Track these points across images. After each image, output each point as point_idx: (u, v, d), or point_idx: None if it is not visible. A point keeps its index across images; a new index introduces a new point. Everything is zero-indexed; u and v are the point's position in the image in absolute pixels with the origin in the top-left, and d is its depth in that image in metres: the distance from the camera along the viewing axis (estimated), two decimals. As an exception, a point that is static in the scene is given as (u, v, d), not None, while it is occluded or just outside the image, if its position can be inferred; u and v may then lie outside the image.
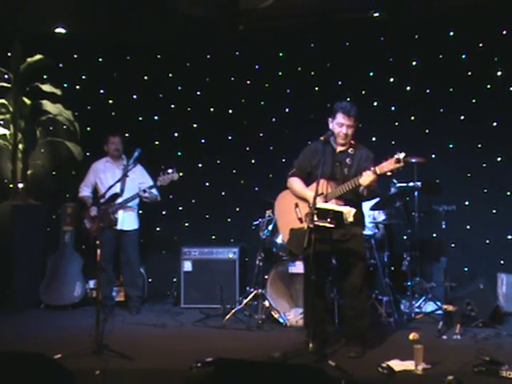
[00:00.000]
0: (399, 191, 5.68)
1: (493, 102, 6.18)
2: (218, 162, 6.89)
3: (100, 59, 7.04)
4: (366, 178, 4.15)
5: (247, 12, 6.52)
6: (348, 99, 5.87)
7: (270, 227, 5.56)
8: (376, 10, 6.40)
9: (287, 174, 4.69)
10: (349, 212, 4.15)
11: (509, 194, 6.23)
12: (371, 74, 6.54)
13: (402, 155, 4.05)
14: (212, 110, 6.91)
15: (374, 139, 6.30)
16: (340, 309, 5.12)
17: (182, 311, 6.04)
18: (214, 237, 6.83)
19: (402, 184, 5.73)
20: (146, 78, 7.01)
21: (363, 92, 6.51)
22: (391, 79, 6.50)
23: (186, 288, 6.23)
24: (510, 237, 6.19)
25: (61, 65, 6.96)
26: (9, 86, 6.56)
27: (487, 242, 6.23)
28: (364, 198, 4.44)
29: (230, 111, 6.91)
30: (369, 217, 5.80)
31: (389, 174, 4.15)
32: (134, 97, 7.01)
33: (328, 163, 4.43)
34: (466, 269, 6.21)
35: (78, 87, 7.05)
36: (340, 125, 4.44)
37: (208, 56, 6.90)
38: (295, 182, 4.62)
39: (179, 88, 7.00)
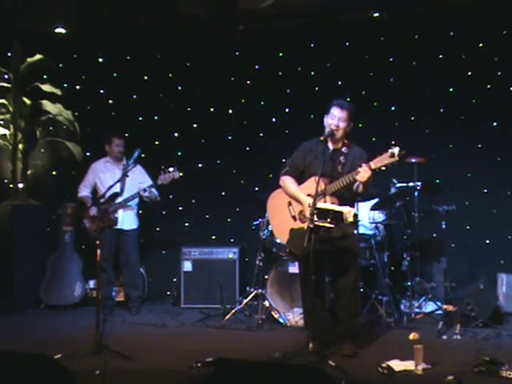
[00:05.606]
0: (399, 191, 5.67)
1: (493, 102, 6.18)
2: (218, 162, 6.88)
3: (100, 59, 7.04)
4: (364, 173, 4.10)
5: (247, 12, 6.52)
6: (348, 99, 5.91)
7: (270, 227, 5.55)
8: (376, 10, 6.40)
9: (280, 172, 4.68)
10: (349, 212, 4.14)
11: (509, 193, 6.22)
12: (371, 74, 6.53)
13: (396, 149, 4.01)
14: (212, 109, 6.91)
15: (374, 139, 6.30)
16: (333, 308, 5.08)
17: (181, 311, 6.03)
18: (213, 237, 6.82)
19: (402, 184, 5.72)
20: (146, 77, 7.01)
21: (363, 92, 6.50)
22: (391, 79, 6.51)
23: (186, 288, 6.23)
24: (510, 237, 6.19)
25: (61, 65, 6.96)
26: (9, 86, 6.56)
27: (487, 242, 6.22)
28: (358, 195, 4.43)
29: (230, 111, 6.90)
30: (369, 217, 5.81)
31: (383, 168, 4.12)
32: (134, 97, 7.01)
33: (322, 161, 4.38)
34: (465, 269, 6.21)
35: (78, 87, 7.05)
36: (332, 117, 4.45)
37: (208, 56, 6.90)
38: (288, 183, 4.59)
39: (179, 88, 6.99)
